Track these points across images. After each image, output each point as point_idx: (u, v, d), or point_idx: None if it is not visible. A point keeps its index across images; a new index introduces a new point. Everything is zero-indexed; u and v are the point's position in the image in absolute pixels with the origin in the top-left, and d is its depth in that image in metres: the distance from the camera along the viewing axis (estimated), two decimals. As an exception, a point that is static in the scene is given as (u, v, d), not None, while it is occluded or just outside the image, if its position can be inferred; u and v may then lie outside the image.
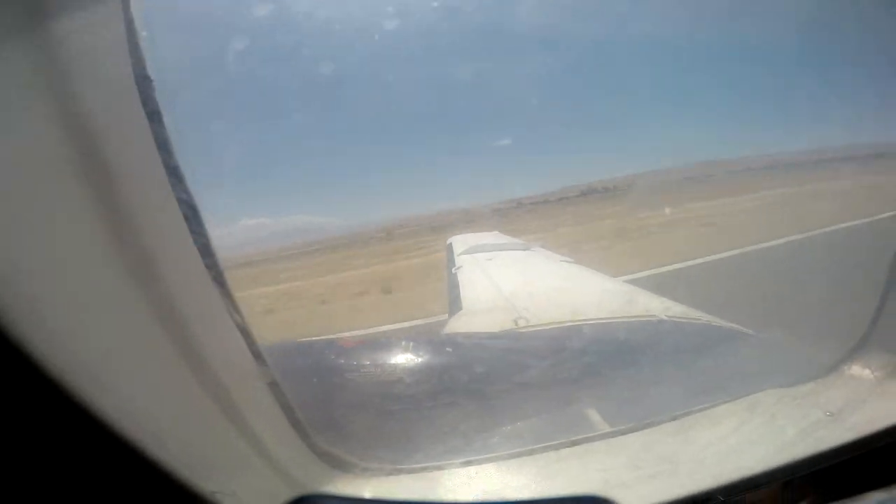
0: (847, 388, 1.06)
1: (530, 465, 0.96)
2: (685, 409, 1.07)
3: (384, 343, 1.90)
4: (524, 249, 4.02)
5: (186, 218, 0.67)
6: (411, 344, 1.74)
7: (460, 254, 4.03)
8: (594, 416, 1.28)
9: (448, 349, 1.75)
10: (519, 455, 1.00)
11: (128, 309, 0.57)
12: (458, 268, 3.54)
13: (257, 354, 0.79)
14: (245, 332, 0.76)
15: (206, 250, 0.70)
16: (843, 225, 5.83)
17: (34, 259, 0.48)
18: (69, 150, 0.52)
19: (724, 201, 10.94)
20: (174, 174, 0.65)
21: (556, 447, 1.00)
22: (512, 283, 2.86)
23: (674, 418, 1.05)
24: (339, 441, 0.97)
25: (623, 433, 1.04)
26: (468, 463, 0.97)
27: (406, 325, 4.25)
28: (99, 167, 0.54)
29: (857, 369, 1.10)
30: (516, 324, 2.09)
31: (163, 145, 0.64)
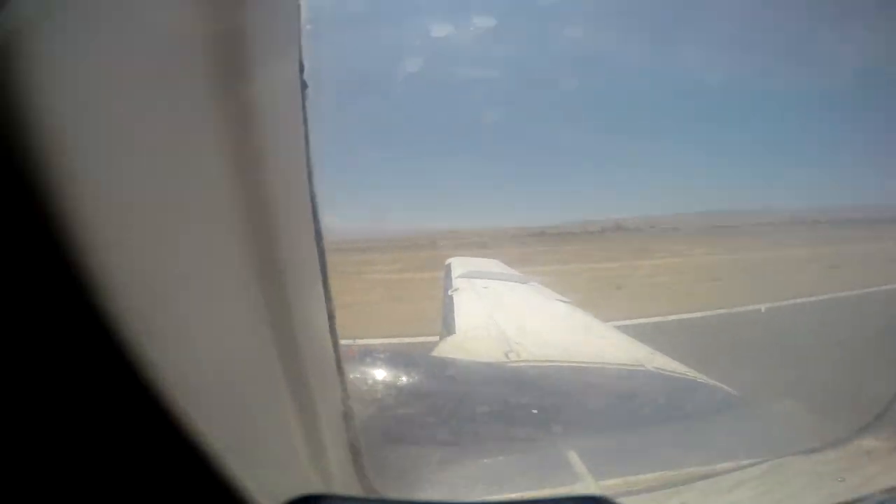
0: (860, 459, 1.11)
1: None
2: (679, 468, 1.10)
3: (377, 357, 1.90)
4: (522, 283, 4.07)
5: (316, 233, 0.70)
6: (400, 362, 1.76)
7: (458, 276, 4.07)
8: (574, 459, 1.30)
9: (439, 373, 1.77)
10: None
11: (246, 308, 0.59)
12: (455, 290, 3.58)
13: (341, 367, 0.81)
14: (336, 344, 0.79)
15: (322, 258, 0.74)
16: (865, 290, 5.75)
17: (177, 258, 0.49)
18: (232, 149, 0.54)
19: (743, 255, 10.88)
20: (311, 182, 0.69)
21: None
22: (507, 315, 2.89)
23: (677, 481, 1.07)
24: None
25: (628, 493, 1.07)
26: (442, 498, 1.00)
27: (394, 340, 4.23)
28: (257, 165, 0.56)
29: (871, 441, 1.15)
30: (507, 356, 2.12)
31: (307, 150, 0.68)
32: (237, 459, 0.52)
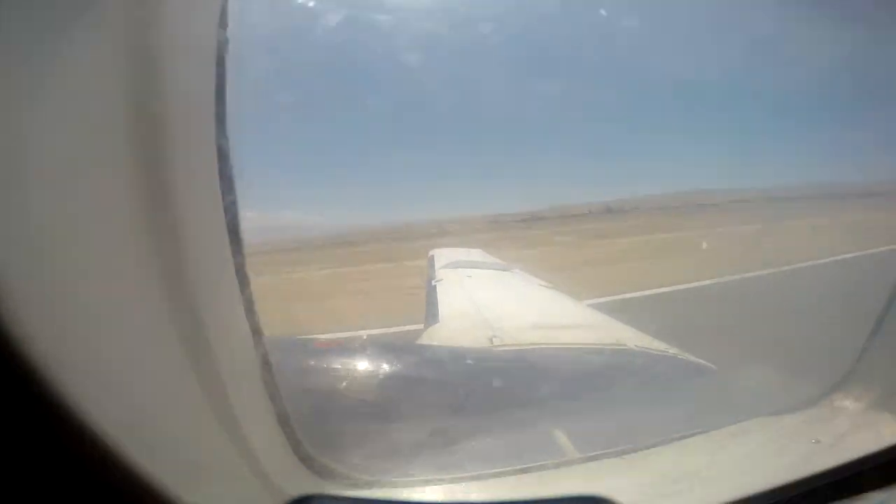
0: (833, 418, 1.13)
1: (507, 485, 0.99)
2: (658, 437, 1.11)
3: (360, 347, 1.88)
4: (504, 270, 4.10)
5: (226, 209, 0.65)
6: (387, 350, 1.75)
7: (441, 267, 4.07)
8: (562, 438, 1.32)
9: (426, 360, 1.78)
10: (493, 476, 1.02)
11: (143, 294, 0.54)
12: (438, 281, 3.58)
13: (264, 355, 0.77)
14: (256, 331, 0.75)
15: (236, 241, 0.68)
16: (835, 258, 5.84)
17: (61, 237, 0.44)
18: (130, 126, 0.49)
19: (720, 230, 10.93)
20: (222, 154, 0.63)
21: (537, 469, 1.03)
22: (490, 302, 2.91)
23: (654, 444, 1.09)
24: (319, 447, 0.97)
25: (601, 458, 1.08)
26: (436, 481, 1.00)
27: (379, 331, 4.22)
28: (155, 143, 0.51)
29: (842, 400, 1.17)
30: (491, 342, 2.13)
31: (220, 124, 0.62)
32: (161, 468, 0.49)
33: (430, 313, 2.90)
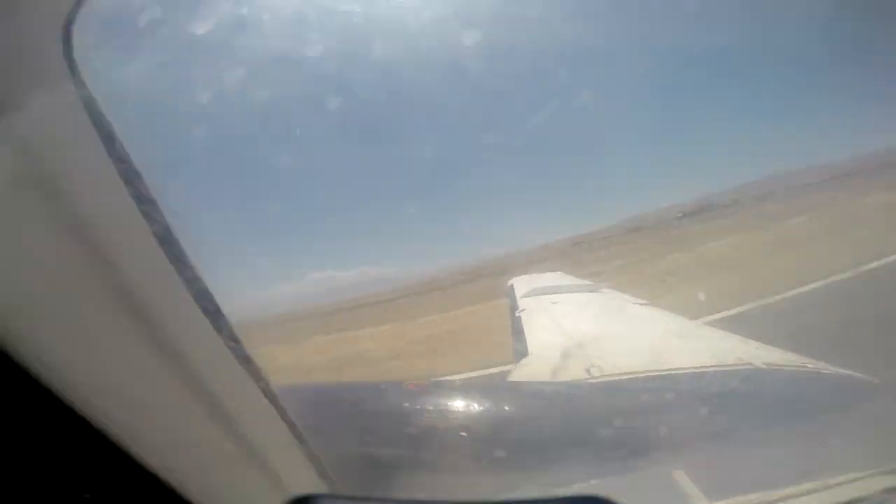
0: None
1: None
2: (799, 483, 0.90)
3: (444, 390, 1.82)
4: (591, 291, 3.84)
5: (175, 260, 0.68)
6: (471, 392, 1.67)
7: (523, 296, 3.93)
8: (686, 484, 1.12)
9: (512, 400, 1.66)
10: None
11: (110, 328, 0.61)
12: (522, 311, 3.45)
13: (273, 398, 0.81)
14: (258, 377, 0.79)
15: (183, 265, 0.70)
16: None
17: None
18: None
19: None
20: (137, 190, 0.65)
21: None
22: (581, 328, 2.71)
23: (791, 496, 0.88)
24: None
25: None
26: None
27: (472, 374, 4.13)
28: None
29: None
30: (589, 373, 1.95)
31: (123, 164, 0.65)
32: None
33: (518, 347, 2.77)
